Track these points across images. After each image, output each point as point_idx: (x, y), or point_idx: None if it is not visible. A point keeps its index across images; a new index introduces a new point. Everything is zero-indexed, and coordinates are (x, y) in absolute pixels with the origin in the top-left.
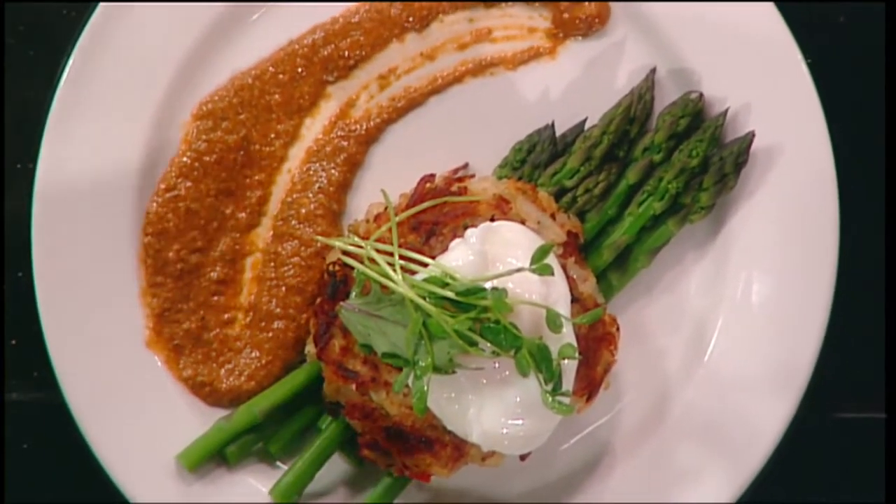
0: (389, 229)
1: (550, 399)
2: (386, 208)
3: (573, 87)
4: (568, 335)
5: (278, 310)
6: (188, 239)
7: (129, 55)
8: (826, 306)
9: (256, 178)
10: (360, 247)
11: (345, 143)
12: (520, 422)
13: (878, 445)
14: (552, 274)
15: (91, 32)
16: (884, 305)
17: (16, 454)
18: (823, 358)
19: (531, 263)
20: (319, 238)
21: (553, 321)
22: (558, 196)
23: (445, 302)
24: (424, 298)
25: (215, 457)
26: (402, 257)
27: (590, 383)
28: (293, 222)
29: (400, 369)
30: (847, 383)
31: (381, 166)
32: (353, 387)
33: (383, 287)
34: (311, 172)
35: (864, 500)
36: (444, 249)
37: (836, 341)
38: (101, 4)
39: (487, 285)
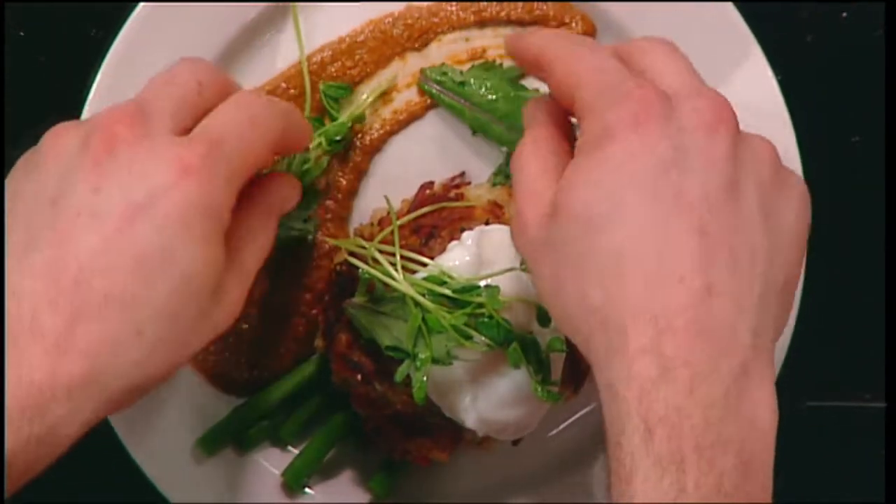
0: (392, 232)
1: (540, 389)
2: (389, 213)
3: None
4: (556, 329)
5: (289, 306)
6: None
7: (152, 73)
8: (795, 301)
9: None
10: (365, 248)
11: (351, 153)
12: (511, 409)
13: (877, 436)
14: None
15: (116, 53)
16: (883, 293)
17: None
18: (821, 346)
19: (522, 263)
20: (328, 240)
21: (542, 317)
22: None
23: (443, 299)
24: (424, 296)
25: (231, 441)
26: (403, 258)
27: (577, 374)
28: None
29: (401, 361)
30: (846, 371)
31: (385, 174)
32: (358, 377)
33: (386, 285)
34: (321, 180)
35: (863, 494)
36: (443, 250)
37: (834, 329)
38: (125, 29)
39: (482, 284)
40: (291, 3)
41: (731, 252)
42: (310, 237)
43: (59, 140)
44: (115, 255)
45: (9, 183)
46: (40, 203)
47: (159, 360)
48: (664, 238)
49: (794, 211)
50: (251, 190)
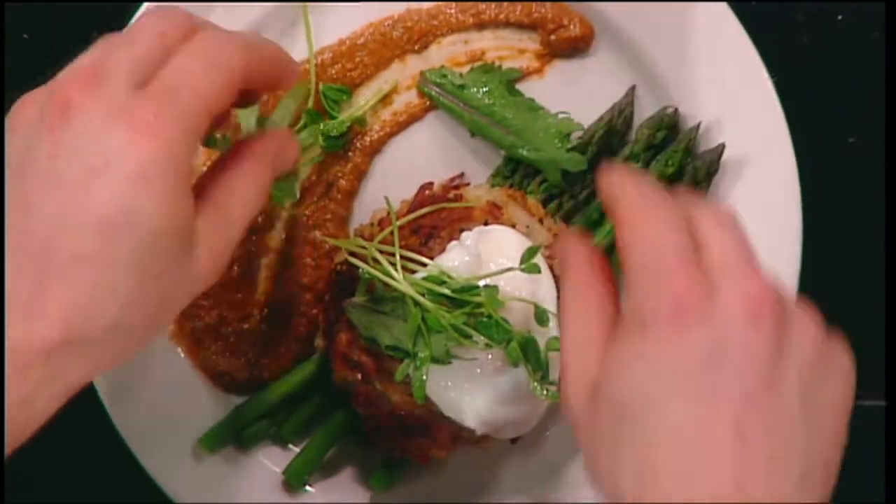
0: (392, 232)
1: (538, 387)
2: (388, 213)
3: (559, 102)
4: (554, 329)
5: (290, 306)
6: None
7: None
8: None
9: None
10: (365, 248)
11: (351, 154)
12: (510, 408)
13: (876, 435)
14: (539, 273)
15: None
16: (881, 293)
17: (51, 435)
18: None
19: (520, 263)
20: (328, 240)
21: (541, 316)
22: (546, 202)
23: (442, 299)
24: (423, 295)
25: (232, 440)
26: (403, 258)
27: None
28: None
29: (401, 360)
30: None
31: (385, 175)
32: (359, 376)
33: (386, 285)
34: (321, 181)
35: (863, 494)
36: (442, 251)
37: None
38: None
39: (481, 283)
40: (301, 4)
41: (766, 446)
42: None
43: (23, 110)
44: (76, 218)
45: None
46: (9, 172)
47: (138, 317)
48: (697, 435)
49: (836, 388)
50: (247, 141)
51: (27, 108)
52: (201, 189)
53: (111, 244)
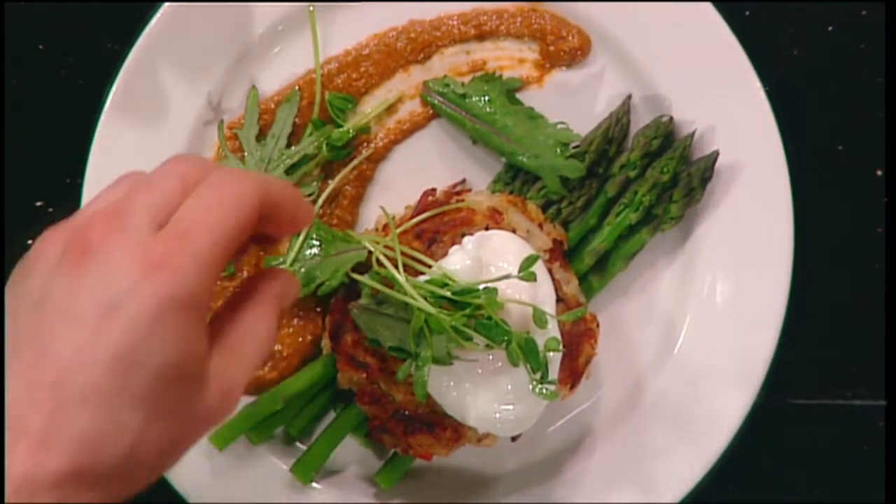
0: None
1: (538, 387)
2: (393, 218)
3: (558, 111)
4: (553, 330)
5: (298, 309)
6: None
7: (165, 87)
8: (782, 304)
9: None
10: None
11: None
12: (511, 407)
13: (877, 435)
14: (537, 280)
15: (129, 69)
16: (882, 292)
17: None
18: (823, 343)
19: (519, 270)
20: None
21: (539, 318)
22: (545, 208)
23: (444, 301)
24: (426, 298)
25: (242, 438)
26: (406, 261)
27: (573, 373)
28: None
29: (404, 360)
30: (846, 368)
31: (389, 181)
32: (364, 376)
33: (390, 288)
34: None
35: (862, 495)
36: (444, 255)
37: (835, 326)
38: (137, 46)
39: (482, 286)
40: (309, 8)
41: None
42: None
43: (45, 246)
44: (90, 354)
45: (8, 286)
46: (26, 306)
47: (149, 452)
48: None
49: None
50: (254, 281)
51: (50, 247)
52: (216, 329)
53: (122, 380)
